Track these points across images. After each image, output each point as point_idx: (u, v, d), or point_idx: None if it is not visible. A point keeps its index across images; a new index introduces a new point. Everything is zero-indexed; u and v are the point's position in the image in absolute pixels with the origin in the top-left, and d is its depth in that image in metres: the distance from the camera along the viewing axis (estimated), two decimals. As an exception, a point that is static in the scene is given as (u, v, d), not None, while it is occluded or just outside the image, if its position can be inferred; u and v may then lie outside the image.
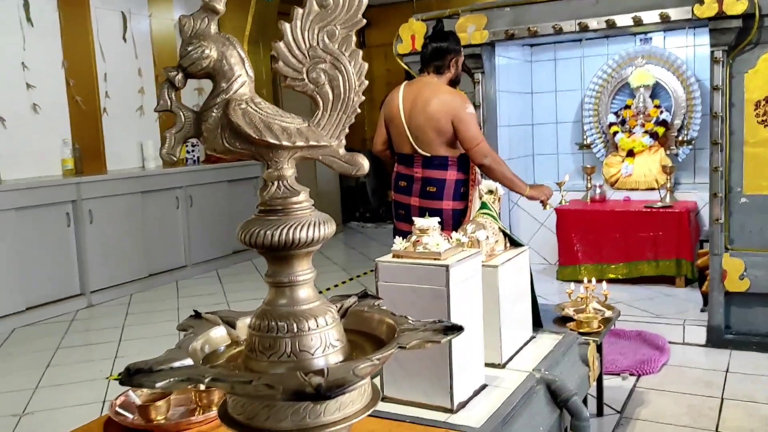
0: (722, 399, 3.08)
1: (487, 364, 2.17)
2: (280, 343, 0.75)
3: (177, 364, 0.68)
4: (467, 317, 1.99)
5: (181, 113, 0.78)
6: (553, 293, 4.54)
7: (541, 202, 3.27)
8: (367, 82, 0.80)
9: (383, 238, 7.77)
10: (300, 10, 0.80)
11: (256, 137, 0.74)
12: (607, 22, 3.85)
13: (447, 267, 1.89)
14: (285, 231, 0.74)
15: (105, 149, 6.16)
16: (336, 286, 5.62)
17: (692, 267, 4.57)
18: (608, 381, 3.25)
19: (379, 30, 8.60)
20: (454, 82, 3.30)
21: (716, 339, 3.74)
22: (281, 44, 0.79)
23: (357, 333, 0.87)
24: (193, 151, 6.83)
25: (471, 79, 4.34)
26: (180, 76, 0.76)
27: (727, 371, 3.41)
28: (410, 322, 0.80)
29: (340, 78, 0.78)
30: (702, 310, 4.06)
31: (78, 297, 5.31)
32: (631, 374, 3.40)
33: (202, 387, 1.28)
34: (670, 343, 3.78)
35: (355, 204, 9.15)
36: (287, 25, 0.80)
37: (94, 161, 5.98)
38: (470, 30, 4.19)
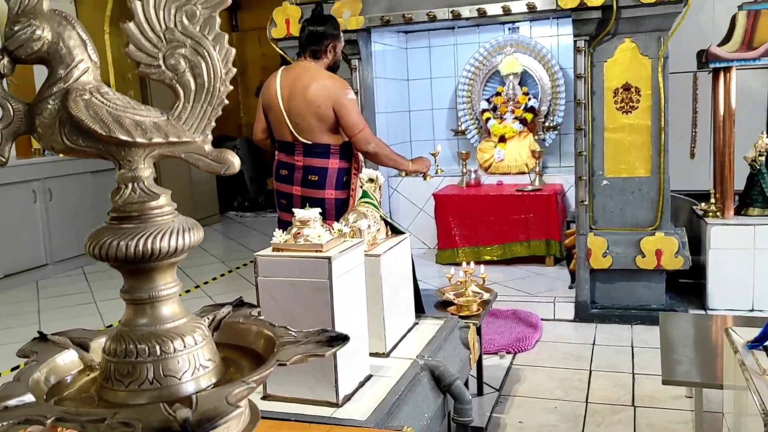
0: (590, 371, 3.28)
1: (371, 354, 2.15)
2: (141, 369, 0.65)
3: (14, 401, 0.58)
4: (351, 309, 1.96)
5: (9, 105, 0.65)
6: (434, 277, 4.64)
7: (422, 174, 3.43)
8: (234, 70, 0.71)
9: (263, 227, 7.59)
10: (151, -14, 0.69)
11: (104, 133, 0.63)
12: (478, 10, 3.95)
13: (329, 259, 1.84)
14: (143, 241, 0.64)
15: (-55, 138, 5.52)
16: (214, 279, 5.41)
17: (560, 247, 4.83)
18: (487, 360, 3.36)
19: (252, 12, 8.30)
20: (333, 69, 3.23)
21: (583, 314, 3.98)
22: (131, 25, 0.69)
23: (233, 347, 0.79)
24: (50, 139, 6.30)
25: (348, 65, 4.30)
26: (6, 60, 0.64)
27: (594, 344, 3.64)
28: (291, 333, 0.74)
29: (203, 65, 0.68)
30: (570, 287, 4.30)
31: None
32: (508, 352, 3.53)
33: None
34: (542, 320, 3.97)
35: (233, 193, 8.85)
36: (138, 2, 0.69)
37: (-68, 152, 5.36)
38: (346, 15, 4.13)
